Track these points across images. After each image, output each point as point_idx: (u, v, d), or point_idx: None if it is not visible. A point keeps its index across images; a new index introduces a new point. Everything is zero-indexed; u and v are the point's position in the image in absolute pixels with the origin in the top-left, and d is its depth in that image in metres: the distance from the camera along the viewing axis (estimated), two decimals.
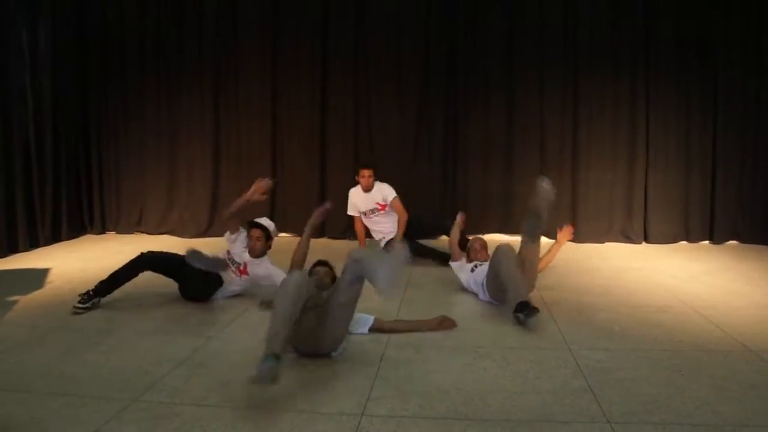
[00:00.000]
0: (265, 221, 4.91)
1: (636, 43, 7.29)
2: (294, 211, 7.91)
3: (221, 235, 7.51)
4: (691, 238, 7.40)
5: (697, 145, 7.35)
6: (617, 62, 7.33)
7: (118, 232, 8.14)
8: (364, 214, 6.41)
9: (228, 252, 4.84)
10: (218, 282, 4.71)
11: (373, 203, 6.34)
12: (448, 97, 7.62)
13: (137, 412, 2.83)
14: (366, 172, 6.22)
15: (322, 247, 7.17)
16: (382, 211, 6.33)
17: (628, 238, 7.42)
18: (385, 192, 6.32)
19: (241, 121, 7.92)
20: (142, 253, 4.62)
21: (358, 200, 6.40)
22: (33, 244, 6.98)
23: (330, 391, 3.07)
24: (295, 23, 7.73)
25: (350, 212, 6.51)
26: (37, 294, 4.98)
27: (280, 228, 7.94)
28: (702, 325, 4.11)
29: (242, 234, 4.87)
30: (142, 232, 8.08)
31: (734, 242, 7.32)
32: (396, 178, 7.11)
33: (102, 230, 8.15)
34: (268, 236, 4.83)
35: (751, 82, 7.17)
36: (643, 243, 7.39)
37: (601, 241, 7.39)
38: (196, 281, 4.62)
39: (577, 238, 7.42)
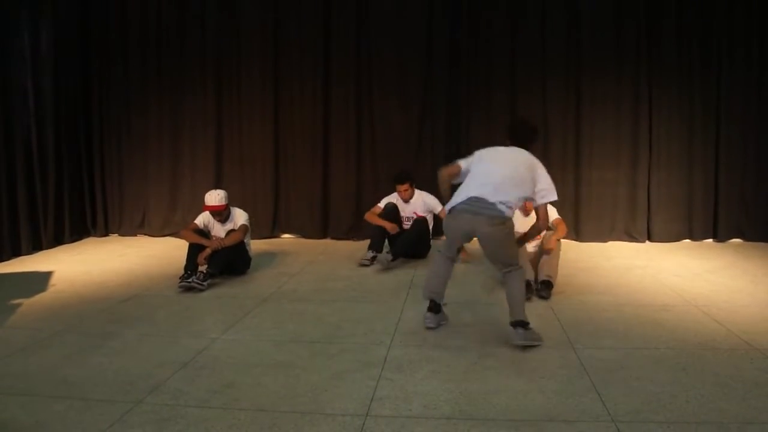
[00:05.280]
0: (212, 200, 5.53)
1: (638, 42, 7.27)
2: (296, 212, 7.91)
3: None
4: (695, 236, 7.38)
5: (700, 143, 7.32)
6: (620, 61, 7.30)
7: (121, 235, 8.14)
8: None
9: (214, 237, 5.60)
10: (247, 259, 5.76)
11: (411, 212, 6.44)
12: (450, 98, 7.59)
13: (141, 415, 2.83)
14: (402, 187, 6.36)
15: (324, 248, 7.20)
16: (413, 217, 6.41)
17: (631, 237, 7.40)
18: (430, 203, 6.45)
19: (244, 122, 7.91)
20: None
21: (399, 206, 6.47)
22: (36, 247, 6.98)
23: (334, 392, 3.07)
24: (297, 24, 7.72)
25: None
26: (40, 297, 4.99)
27: (283, 229, 7.97)
28: (706, 324, 4.10)
29: (208, 223, 5.67)
30: (146, 234, 8.09)
31: (738, 240, 7.30)
32: None
33: (105, 233, 8.15)
34: (224, 208, 5.57)
35: (754, 79, 7.15)
36: (647, 242, 7.36)
37: (605, 240, 7.37)
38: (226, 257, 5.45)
39: (580, 238, 7.42)
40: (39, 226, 7.08)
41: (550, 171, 7.42)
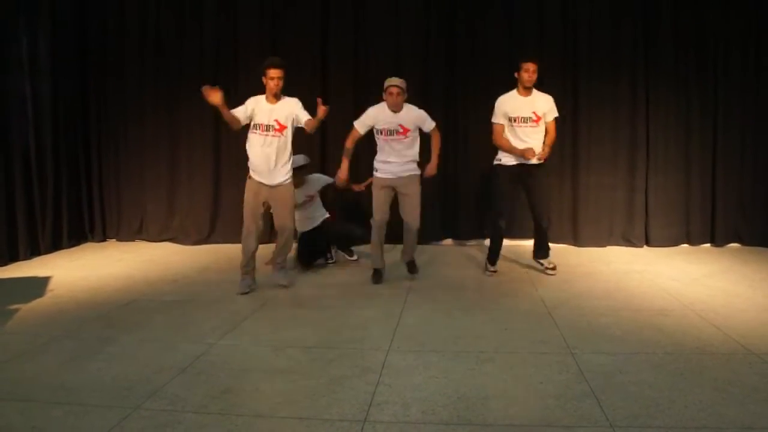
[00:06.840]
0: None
1: (635, 45, 7.28)
2: None
3: (223, 242, 7.60)
4: (693, 240, 7.38)
5: (697, 147, 7.32)
6: (616, 64, 7.31)
7: (119, 240, 8.12)
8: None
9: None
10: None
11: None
12: (447, 99, 7.60)
13: (139, 420, 2.83)
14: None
15: None
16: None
17: (629, 242, 7.39)
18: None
19: (241, 127, 7.90)
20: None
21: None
22: (34, 252, 6.96)
23: (332, 398, 3.07)
24: (293, 29, 7.73)
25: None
26: (38, 302, 4.98)
27: None
28: (704, 328, 4.10)
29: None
30: (144, 240, 8.08)
31: (736, 245, 7.30)
32: None
33: (103, 238, 8.14)
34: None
35: (751, 83, 7.16)
36: (645, 246, 7.36)
37: (603, 245, 7.36)
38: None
39: (578, 242, 7.42)
40: (37, 231, 7.06)
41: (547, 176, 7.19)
